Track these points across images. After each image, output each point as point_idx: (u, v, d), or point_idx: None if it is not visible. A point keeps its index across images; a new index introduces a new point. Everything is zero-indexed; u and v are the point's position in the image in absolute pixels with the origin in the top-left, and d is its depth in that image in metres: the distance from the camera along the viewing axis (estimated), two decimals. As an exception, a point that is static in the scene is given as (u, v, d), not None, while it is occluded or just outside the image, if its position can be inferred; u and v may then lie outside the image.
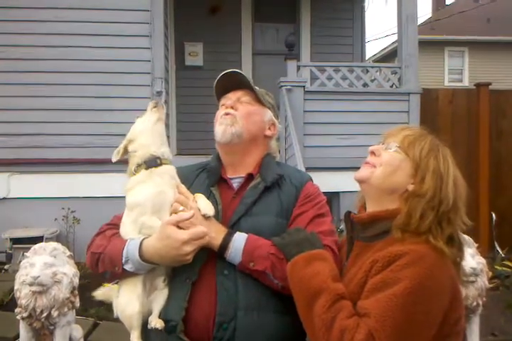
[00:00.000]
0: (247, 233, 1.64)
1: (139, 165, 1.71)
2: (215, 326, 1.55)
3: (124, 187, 1.73)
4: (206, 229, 1.59)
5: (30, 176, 6.16)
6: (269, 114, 1.88)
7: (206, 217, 1.62)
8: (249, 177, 1.78)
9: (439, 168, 1.44)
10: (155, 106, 1.79)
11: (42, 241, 4.75)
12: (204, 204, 1.65)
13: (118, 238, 1.69)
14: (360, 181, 1.54)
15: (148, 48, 6.41)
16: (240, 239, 1.61)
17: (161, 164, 1.71)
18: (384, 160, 1.50)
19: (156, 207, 1.64)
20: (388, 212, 1.46)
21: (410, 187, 1.45)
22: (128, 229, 1.68)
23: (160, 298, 1.65)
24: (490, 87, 7.45)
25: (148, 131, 1.75)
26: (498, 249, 6.61)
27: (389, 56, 20.19)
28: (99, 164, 6.16)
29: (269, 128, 1.88)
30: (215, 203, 1.70)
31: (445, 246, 1.36)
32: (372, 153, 1.54)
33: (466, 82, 19.55)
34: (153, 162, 1.71)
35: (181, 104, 8.19)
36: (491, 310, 4.00)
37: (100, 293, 1.85)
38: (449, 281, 1.35)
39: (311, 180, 1.86)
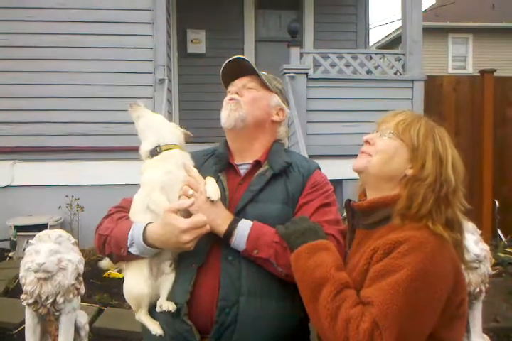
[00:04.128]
0: (252, 220, 1.64)
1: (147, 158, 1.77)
2: (218, 310, 1.57)
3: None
4: (213, 215, 1.60)
5: (34, 164, 6.15)
6: (276, 99, 1.87)
7: (211, 201, 1.62)
8: (257, 163, 1.78)
9: (438, 150, 1.44)
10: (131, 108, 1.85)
11: (46, 228, 4.76)
12: (210, 188, 1.65)
13: (125, 221, 1.71)
14: (358, 171, 1.55)
15: (151, 35, 6.37)
16: (244, 226, 1.62)
17: (160, 151, 1.74)
18: (379, 148, 1.49)
19: (164, 184, 1.66)
20: (388, 198, 1.46)
21: (409, 172, 1.45)
22: (138, 206, 1.71)
23: (167, 282, 1.67)
24: (494, 74, 7.39)
25: (139, 133, 1.82)
26: (502, 236, 6.62)
27: (393, 43, 20.03)
28: (102, 152, 6.18)
29: (277, 114, 1.88)
30: (222, 189, 1.71)
31: (444, 230, 1.36)
32: (367, 142, 1.54)
33: (470, 70, 19.35)
34: (154, 152, 1.74)
35: (184, 92, 8.15)
36: (493, 296, 4.02)
37: (105, 263, 1.88)
38: (450, 265, 1.35)
39: (319, 168, 1.86)
